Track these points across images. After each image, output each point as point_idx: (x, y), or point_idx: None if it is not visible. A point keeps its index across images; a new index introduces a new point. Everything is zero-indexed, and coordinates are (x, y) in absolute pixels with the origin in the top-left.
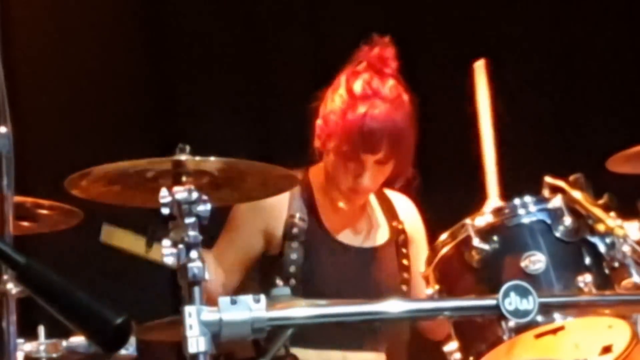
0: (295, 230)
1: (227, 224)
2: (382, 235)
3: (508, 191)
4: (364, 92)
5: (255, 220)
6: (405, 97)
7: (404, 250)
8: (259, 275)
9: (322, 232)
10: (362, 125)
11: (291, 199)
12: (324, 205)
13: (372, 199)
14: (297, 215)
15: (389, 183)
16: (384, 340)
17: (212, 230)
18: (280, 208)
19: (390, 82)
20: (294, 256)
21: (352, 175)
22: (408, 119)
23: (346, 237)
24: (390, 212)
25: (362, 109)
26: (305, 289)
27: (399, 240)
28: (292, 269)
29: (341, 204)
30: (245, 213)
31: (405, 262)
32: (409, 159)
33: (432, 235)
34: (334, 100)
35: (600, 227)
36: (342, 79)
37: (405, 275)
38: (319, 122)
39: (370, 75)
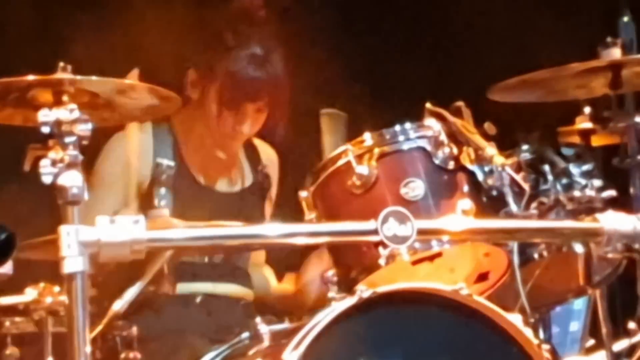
0: (163, 177)
1: (95, 187)
2: (247, 179)
3: (391, 118)
4: (238, 40)
5: (124, 174)
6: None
7: (267, 194)
8: None
9: (188, 177)
10: (245, 76)
11: (156, 144)
12: (190, 150)
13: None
14: (165, 162)
15: (269, 133)
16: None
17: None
18: (146, 152)
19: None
20: (162, 202)
21: (233, 122)
22: (284, 66)
23: (212, 180)
24: (254, 157)
25: (243, 59)
26: None
27: (264, 184)
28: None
29: (220, 154)
30: (112, 168)
31: (268, 206)
32: (286, 107)
33: None
34: (207, 47)
35: (479, 155)
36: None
37: (268, 220)
38: (191, 72)
39: (242, 21)
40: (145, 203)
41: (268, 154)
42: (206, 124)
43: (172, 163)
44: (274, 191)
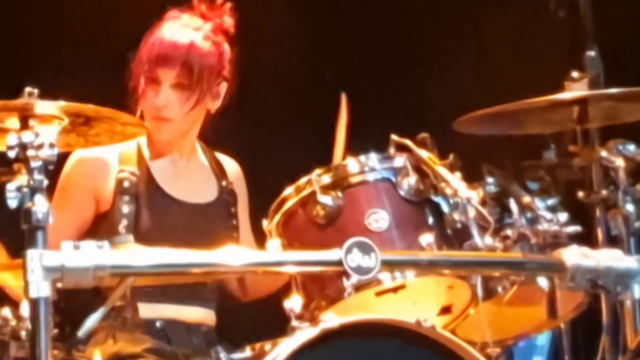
0: (126, 183)
1: (57, 193)
2: (210, 192)
3: (355, 149)
4: (171, 20)
5: (85, 182)
6: (221, 38)
7: (232, 210)
8: (88, 236)
9: (152, 186)
10: (159, 40)
11: (121, 152)
12: (154, 157)
13: (202, 157)
14: (128, 168)
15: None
16: (216, 297)
17: None
18: (110, 163)
19: (209, 24)
20: (125, 210)
21: (154, 98)
22: (217, 53)
23: (176, 191)
24: (219, 172)
25: (164, 29)
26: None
27: (228, 199)
28: (124, 222)
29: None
30: (73, 177)
31: (234, 221)
32: (209, 89)
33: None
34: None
35: (445, 188)
36: None
37: (235, 234)
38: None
39: (189, 15)
40: (110, 218)
41: (234, 169)
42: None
43: (135, 169)
44: (242, 207)
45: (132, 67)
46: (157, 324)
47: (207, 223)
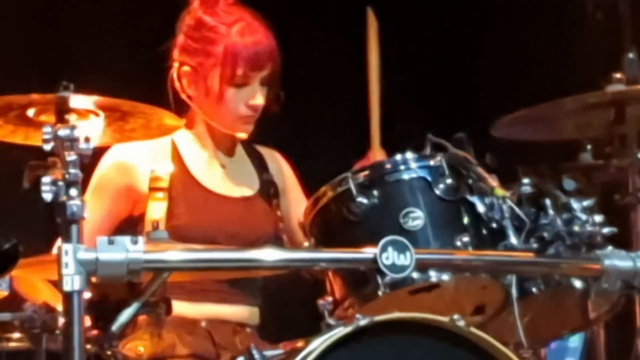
0: (159, 183)
1: (92, 192)
2: (252, 186)
3: (391, 148)
4: (228, 17)
5: (122, 185)
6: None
7: (274, 202)
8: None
9: (189, 180)
10: (250, 45)
11: (153, 150)
12: (192, 153)
13: (241, 150)
14: (161, 166)
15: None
16: (260, 295)
17: None
18: (144, 163)
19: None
20: (160, 206)
21: (245, 98)
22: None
23: (216, 185)
24: (259, 165)
25: (240, 32)
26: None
27: (270, 192)
28: (158, 219)
29: (241, 134)
30: (109, 179)
31: (278, 213)
32: (279, 78)
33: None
34: (194, 38)
35: (481, 187)
36: (190, 17)
37: (281, 225)
38: (185, 68)
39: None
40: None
41: (274, 160)
42: (212, 116)
43: (169, 165)
44: (286, 198)
45: (202, 70)
46: (202, 324)
47: (248, 216)
